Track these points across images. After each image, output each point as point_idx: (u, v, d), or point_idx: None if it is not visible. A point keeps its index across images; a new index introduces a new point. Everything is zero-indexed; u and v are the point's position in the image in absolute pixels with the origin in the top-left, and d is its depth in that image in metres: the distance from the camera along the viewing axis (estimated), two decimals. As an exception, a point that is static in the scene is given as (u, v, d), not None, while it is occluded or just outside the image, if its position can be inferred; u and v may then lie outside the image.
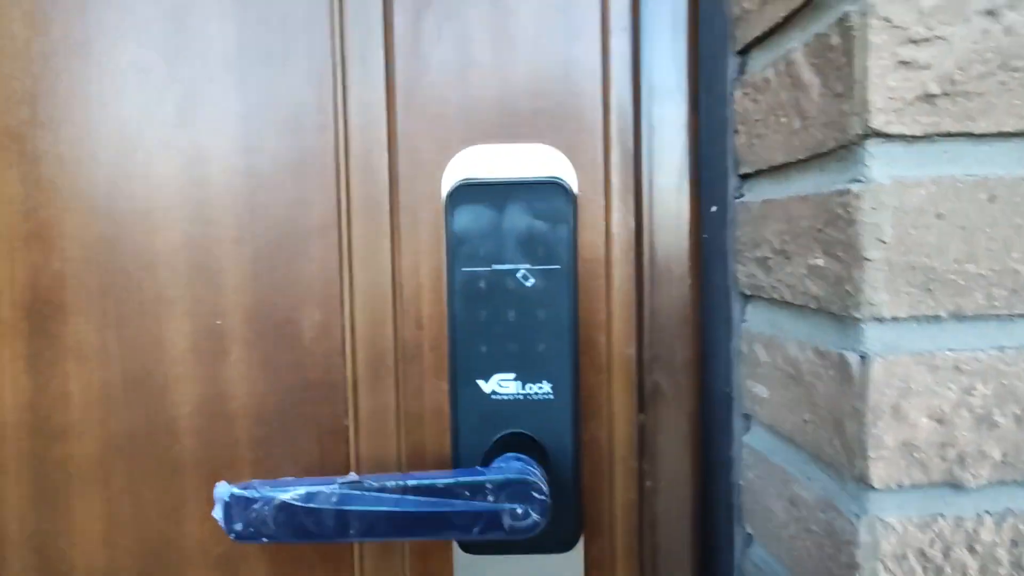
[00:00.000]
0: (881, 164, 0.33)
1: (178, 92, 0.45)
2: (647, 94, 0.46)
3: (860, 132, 0.33)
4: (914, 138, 0.33)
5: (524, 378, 0.43)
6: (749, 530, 0.45)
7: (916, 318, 0.33)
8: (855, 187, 0.33)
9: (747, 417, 0.46)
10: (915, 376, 0.33)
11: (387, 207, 0.46)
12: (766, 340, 0.43)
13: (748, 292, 0.45)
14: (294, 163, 0.46)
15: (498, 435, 0.43)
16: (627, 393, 0.46)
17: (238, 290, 0.46)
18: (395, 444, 0.47)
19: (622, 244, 0.46)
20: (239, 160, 0.46)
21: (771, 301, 0.42)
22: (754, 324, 0.45)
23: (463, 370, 0.43)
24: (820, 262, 0.37)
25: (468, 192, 0.43)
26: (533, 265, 0.43)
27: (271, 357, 0.47)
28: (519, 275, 0.43)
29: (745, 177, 0.47)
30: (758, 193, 0.44)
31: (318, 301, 0.46)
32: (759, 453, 0.43)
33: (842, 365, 0.35)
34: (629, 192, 0.46)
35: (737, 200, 0.47)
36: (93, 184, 0.46)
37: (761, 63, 0.44)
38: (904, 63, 0.32)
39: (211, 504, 0.47)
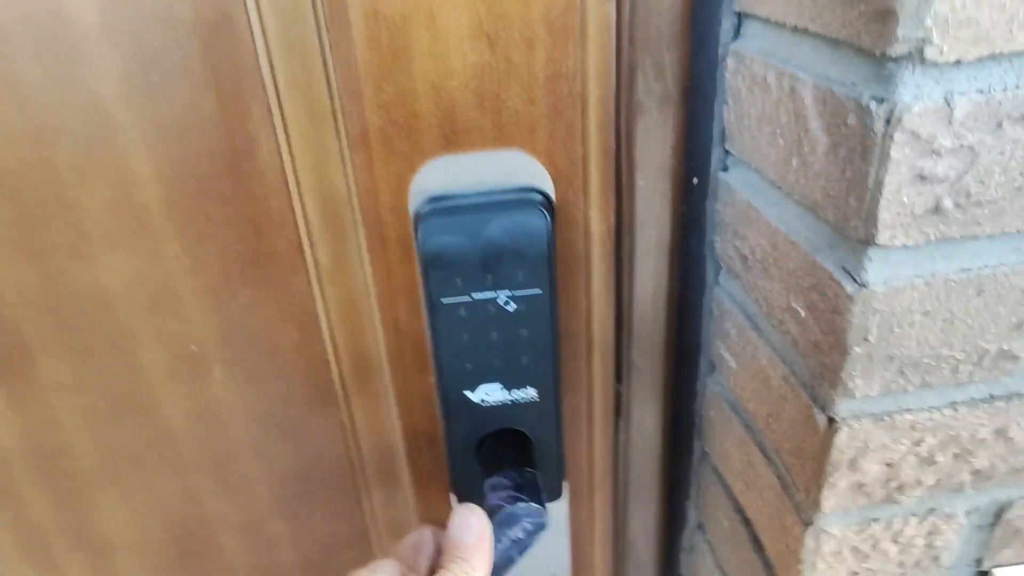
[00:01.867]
0: (877, 268, 0.32)
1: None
2: (627, 80, 0.40)
3: (862, 239, 0.31)
4: (916, 247, 0.31)
5: (509, 385, 0.45)
6: (707, 449, 0.52)
7: (884, 393, 0.35)
8: (848, 287, 0.33)
9: (711, 365, 0.49)
10: (873, 436, 0.37)
11: (351, 220, 0.43)
12: (737, 323, 0.45)
13: (724, 274, 0.46)
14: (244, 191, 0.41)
15: (486, 431, 0.47)
16: (606, 369, 0.49)
17: (207, 315, 0.44)
18: (394, 431, 0.50)
19: (600, 238, 0.45)
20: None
21: (745, 313, 0.43)
22: (728, 300, 0.46)
23: (449, 383, 0.45)
24: (801, 313, 0.37)
25: (439, 215, 0.40)
26: (514, 291, 0.42)
27: (254, 371, 0.47)
28: (500, 301, 0.42)
29: (729, 154, 0.44)
30: (743, 182, 0.42)
31: (295, 319, 0.45)
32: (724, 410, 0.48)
33: (810, 419, 0.38)
34: (609, 190, 0.43)
35: (721, 173, 0.44)
36: (17, 223, 0.41)
37: (761, 50, 0.38)
38: (921, 177, 0.30)
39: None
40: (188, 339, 0.45)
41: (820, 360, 0.36)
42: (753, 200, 0.41)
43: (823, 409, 0.36)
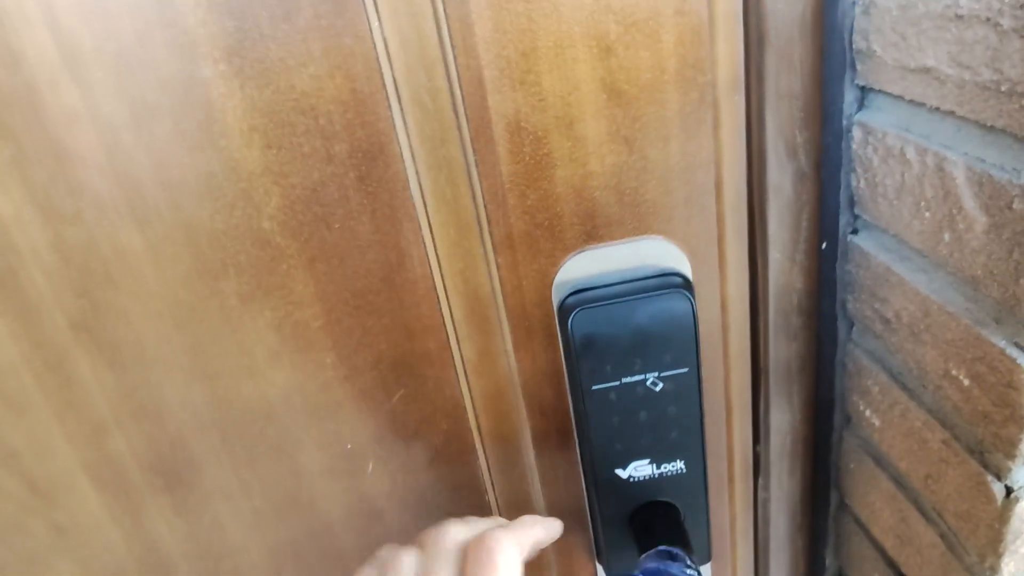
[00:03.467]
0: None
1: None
2: (759, 163, 0.41)
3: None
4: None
5: (658, 460, 0.46)
6: (847, 500, 0.52)
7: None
8: (1019, 357, 0.33)
9: (847, 418, 0.50)
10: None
11: (496, 317, 0.44)
12: (880, 382, 0.45)
13: (860, 332, 0.46)
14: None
15: (635, 505, 0.48)
16: (744, 433, 0.50)
17: (363, 416, 0.46)
18: (539, 507, 0.51)
19: (736, 310, 0.45)
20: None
21: (890, 372, 0.44)
22: (866, 357, 0.46)
23: (600, 463, 0.46)
24: (964, 382, 0.38)
25: (587, 307, 0.42)
26: (661, 372, 0.43)
27: (406, 463, 0.48)
28: (648, 383, 0.43)
29: (858, 217, 0.44)
30: (879, 247, 0.43)
31: (445, 412, 0.47)
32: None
33: (983, 487, 0.38)
34: (744, 264, 0.44)
35: (851, 236, 0.45)
36: (189, 349, 0.43)
37: (894, 124, 0.39)
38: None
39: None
40: (344, 440, 0.47)
41: (991, 430, 0.36)
42: (894, 265, 0.41)
43: (998, 478, 0.36)
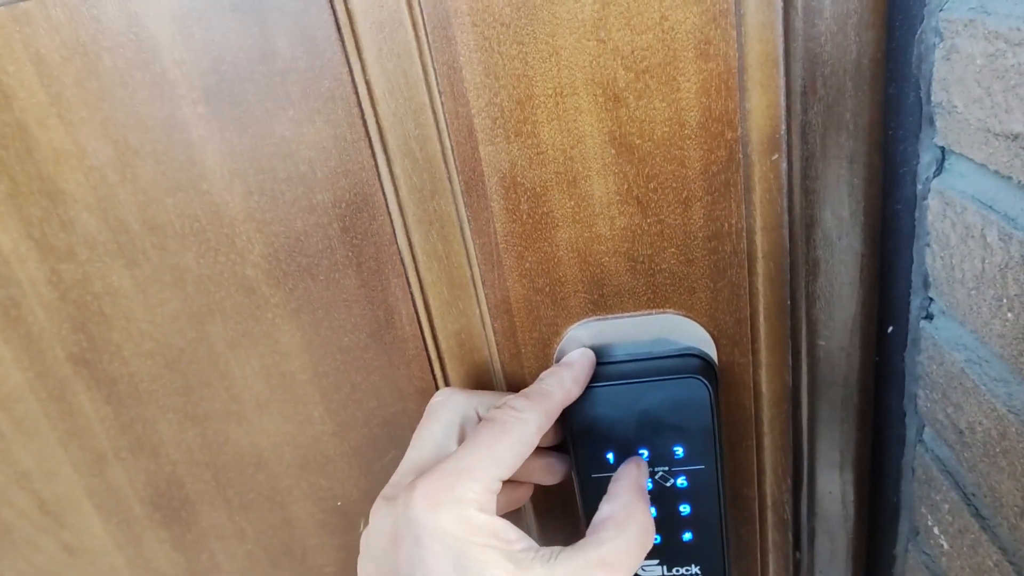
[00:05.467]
0: None
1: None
2: (802, 235, 0.35)
3: None
4: None
5: (670, 563, 0.40)
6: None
7: None
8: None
9: (915, 530, 0.42)
10: None
11: (495, 385, 0.40)
12: (950, 499, 0.37)
13: (931, 435, 0.38)
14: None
15: (646, 606, 0.42)
16: (781, 536, 0.43)
17: (354, 474, 0.44)
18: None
19: (772, 400, 0.39)
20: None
21: (962, 492, 0.36)
22: (935, 466, 0.38)
23: (604, 557, 0.41)
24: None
25: (589, 389, 0.37)
26: (672, 467, 0.37)
27: (400, 526, 0.45)
28: (658, 477, 0.38)
29: (933, 301, 0.37)
30: (954, 342, 0.35)
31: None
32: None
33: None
34: (782, 349, 0.37)
35: (924, 322, 0.37)
36: (182, 391, 0.42)
37: (975, 197, 0.31)
38: None
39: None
40: (336, 496, 0.44)
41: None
42: (969, 369, 0.34)
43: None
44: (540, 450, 0.37)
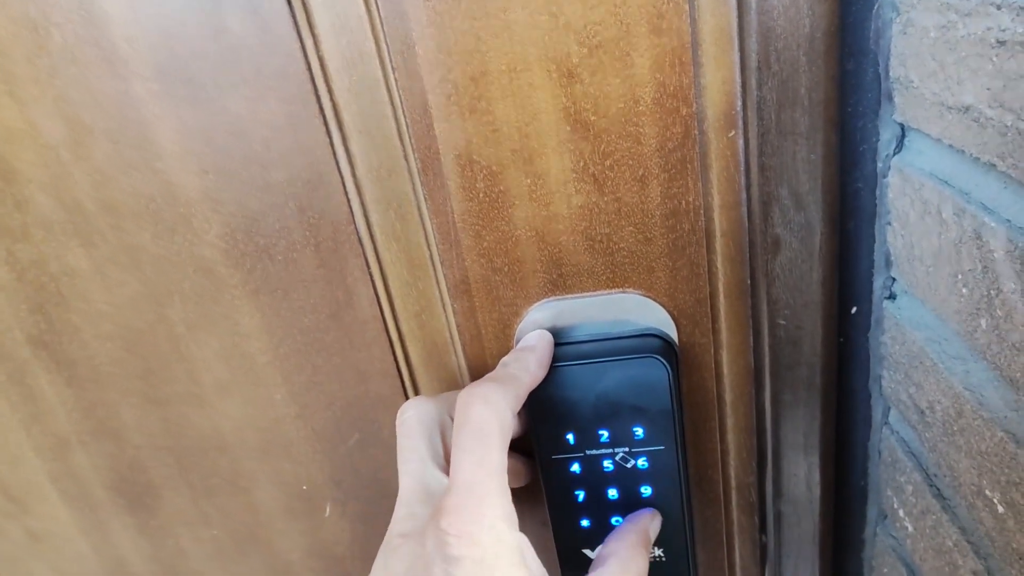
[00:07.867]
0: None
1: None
2: (760, 213, 0.34)
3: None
4: None
5: (633, 544, 0.40)
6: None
7: None
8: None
9: (883, 513, 0.41)
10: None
11: (456, 365, 0.40)
12: (914, 481, 0.37)
13: (896, 417, 0.38)
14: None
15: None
16: (748, 518, 0.42)
17: (318, 458, 0.43)
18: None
19: (734, 381, 0.39)
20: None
21: (924, 472, 0.35)
22: (900, 448, 0.38)
23: (564, 542, 0.40)
24: (999, 508, 0.29)
25: (549, 370, 0.36)
26: (632, 448, 0.37)
27: (365, 510, 0.45)
28: (618, 458, 0.38)
29: (895, 280, 0.36)
30: (915, 321, 0.35)
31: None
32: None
33: None
34: (743, 329, 0.37)
35: (887, 302, 0.37)
36: (142, 374, 0.42)
37: (932, 173, 0.31)
38: None
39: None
40: (301, 480, 0.44)
41: (1029, 577, 0.28)
42: (928, 347, 0.33)
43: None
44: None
